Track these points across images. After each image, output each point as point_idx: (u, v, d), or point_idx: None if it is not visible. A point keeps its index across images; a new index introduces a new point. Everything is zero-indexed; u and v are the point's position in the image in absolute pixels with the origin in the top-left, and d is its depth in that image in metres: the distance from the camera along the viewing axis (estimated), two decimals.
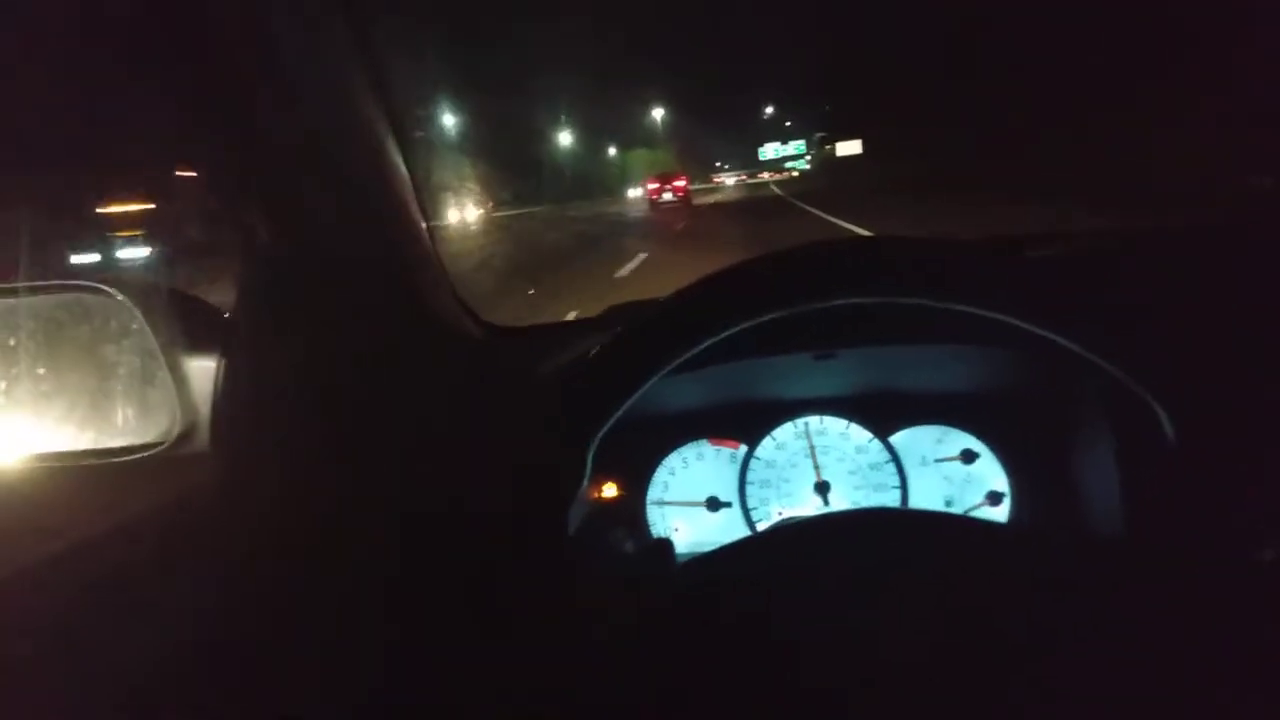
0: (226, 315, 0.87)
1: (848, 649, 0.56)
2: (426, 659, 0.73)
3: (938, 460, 1.08)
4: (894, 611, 0.57)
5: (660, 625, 0.59)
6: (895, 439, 1.09)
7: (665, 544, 0.79)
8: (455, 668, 0.69)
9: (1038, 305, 0.65)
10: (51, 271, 0.81)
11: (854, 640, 0.56)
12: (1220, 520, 0.62)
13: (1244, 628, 0.54)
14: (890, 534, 0.66)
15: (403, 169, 0.93)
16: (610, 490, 1.09)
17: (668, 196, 28.16)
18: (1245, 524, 0.59)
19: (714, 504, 1.10)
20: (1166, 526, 0.81)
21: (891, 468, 1.08)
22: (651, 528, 1.10)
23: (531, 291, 7.82)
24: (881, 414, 1.10)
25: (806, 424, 1.11)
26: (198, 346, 0.84)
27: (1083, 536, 0.95)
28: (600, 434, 0.69)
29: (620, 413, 0.70)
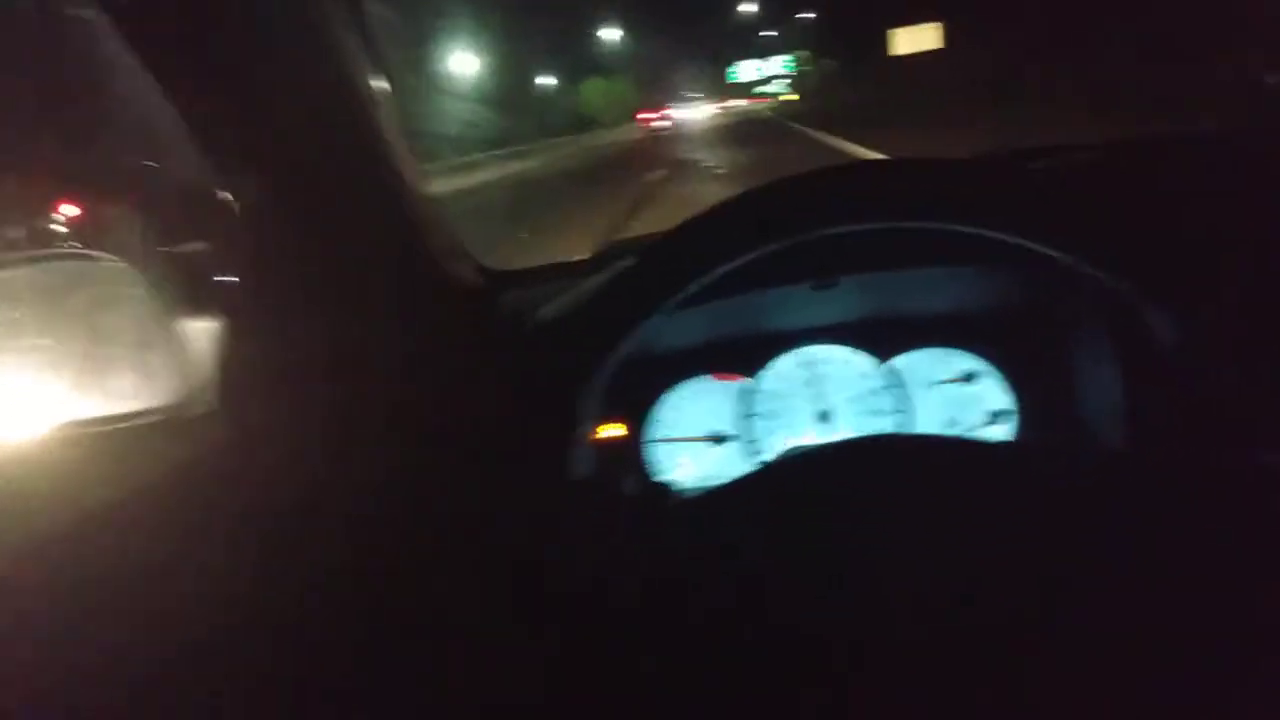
0: (226, 279, 0.87)
1: (854, 582, 0.57)
2: (433, 611, 0.75)
3: (940, 382, 1.09)
4: (899, 540, 0.58)
5: (662, 573, 0.60)
6: (896, 363, 1.10)
7: (662, 489, 0.80)
8: (461, 619, 0.70)
9: (1028, 218, 0.65)
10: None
11: (861, 572, 0.57)
12: (1220, 424, 0.62)
13: (1247, 532, 0.55)
14: (893, 461, 0.66)
15: (391, 117, 0.92)
16: (614, 430, 1.10)
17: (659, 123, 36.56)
18: (1245, 427, 0.60)
19: (718, 438, 1.11)
20: (1168, 434, 0.82)
21: (894, 392, 1.09)
22: (656, 465, 1.11)
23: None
24: (882, 339, 1.10)
25: (808, 353, 1.11)
26: (199, 308, 0.84)
27: (1087, 449, 0.96)
28: (593, 381, 0.70)
29: (614, 358, 0.70)
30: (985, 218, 0.67)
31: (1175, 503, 0.57)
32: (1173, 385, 0.70)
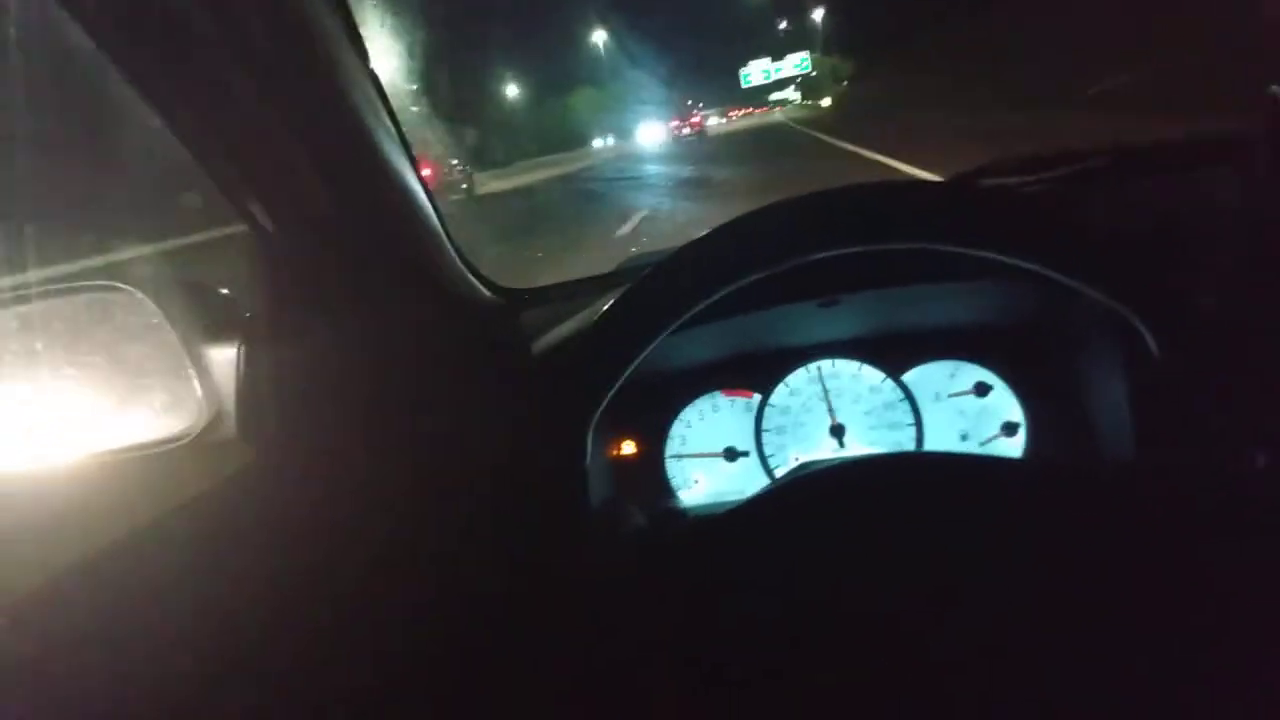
0: (242, 305, 0.89)
1: (867, 600, 0.58)
2: (455, 630, 0.76)
3: (951, 395, 1.09)
4: (911, 558, 0.58)
5: (678, 595, 0.61)
6: (908, 377, 1.10)
7: (675, 513, 0.80)
8: (483, 640, 0.71)
9: (1014, 239, 0.66)
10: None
11: (873, 590, 0.58)
12: (1213, 430, 0.63)
13: (1243, 536, 0.55)
14: (903, 479, 0.67)
15: (399, 143, 0.93)
16: (629, 447, 1.11)
17: (686, 131, 40.42)
18: (1237, 432, 0.60)
19: (731, 454, 1.12)
20: (1169, 442, 0.82)
21: (905, 406, 1.10)
22: (671, 481, 1.12)
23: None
24: (893, 353, 1.11)
25: (819, 368, 1.12)
26: (217, 336, 0.85)
27: (1097, 461, 0.96)
28: (601, 407, 0.71)
29: (619, 384, 0.71)
30: (973, 239, 0.67)
31: (1175, 512, 0.58)
32: (1165, 392, 0.70)
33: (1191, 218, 0.91)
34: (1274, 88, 0.89)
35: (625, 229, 8.60)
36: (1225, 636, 0.53)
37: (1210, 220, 0.89)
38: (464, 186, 18.86)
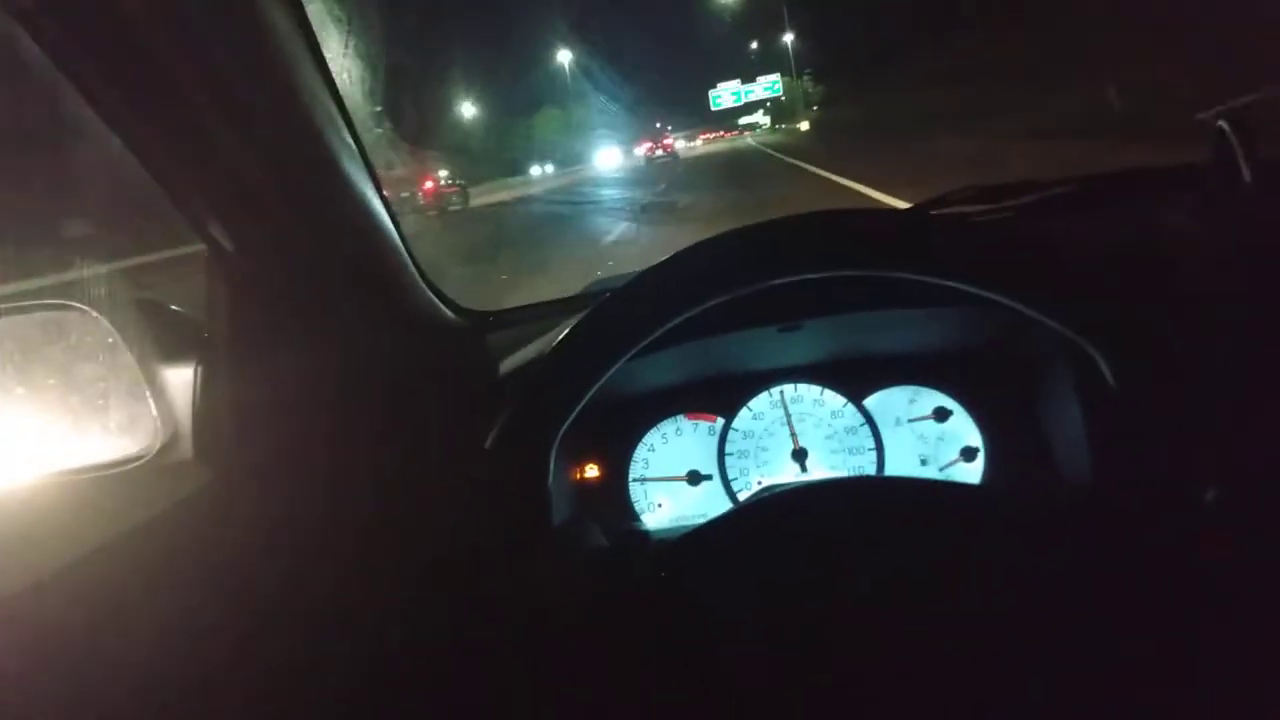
0: (199, 324, 0.88)
1: (823, 621, 0.58)
2: (415, 657, 0.75)
3: (911, 420, 1.11)
4: (870, 581, 0.59)
5: (637, 615, 0.61)
6: (869, 402, 1.11)
7: (637, 535, 0.81)
8: (443, 665, 0.71)
9: (962, 264, 0.67)
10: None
11: (833, 613, 0.58)
12: (1165, 463, 0.64)
13: (1191, 568, 0.56)
14: (863, 503, 0.68)
15: (361, 163, 0.93)
16: (593, 470, 1.11)
17: (659, 153, 40.28)
18: (1188, 465, 0.62)
19: (695, 477, 1.12)
20: (1124, 470, 0.84)
21: (866, 430, 1.11)
22: (634, 504, 1.12)
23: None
24: (854, 378, 1.12)
25: (782, 392, 1.13)
26: (174, 356, 0.85)
27: (1054, 486, 0.98)
28: (563, 427, 0.71)
29: (582, 404, 0.71)
30: (931, 267, 0.68)
31: (1125, 541, 0.59)
32: (1119, 422, 0.71)
33: (1150, 247, 0.93)
34: (1220, 121, 0.92)
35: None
36: (1173, 663, 0.54)
37: (1169, 250, 0.91)
38: (457, 200, 19.01)
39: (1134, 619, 0.56)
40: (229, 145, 0.80)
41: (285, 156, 0.84)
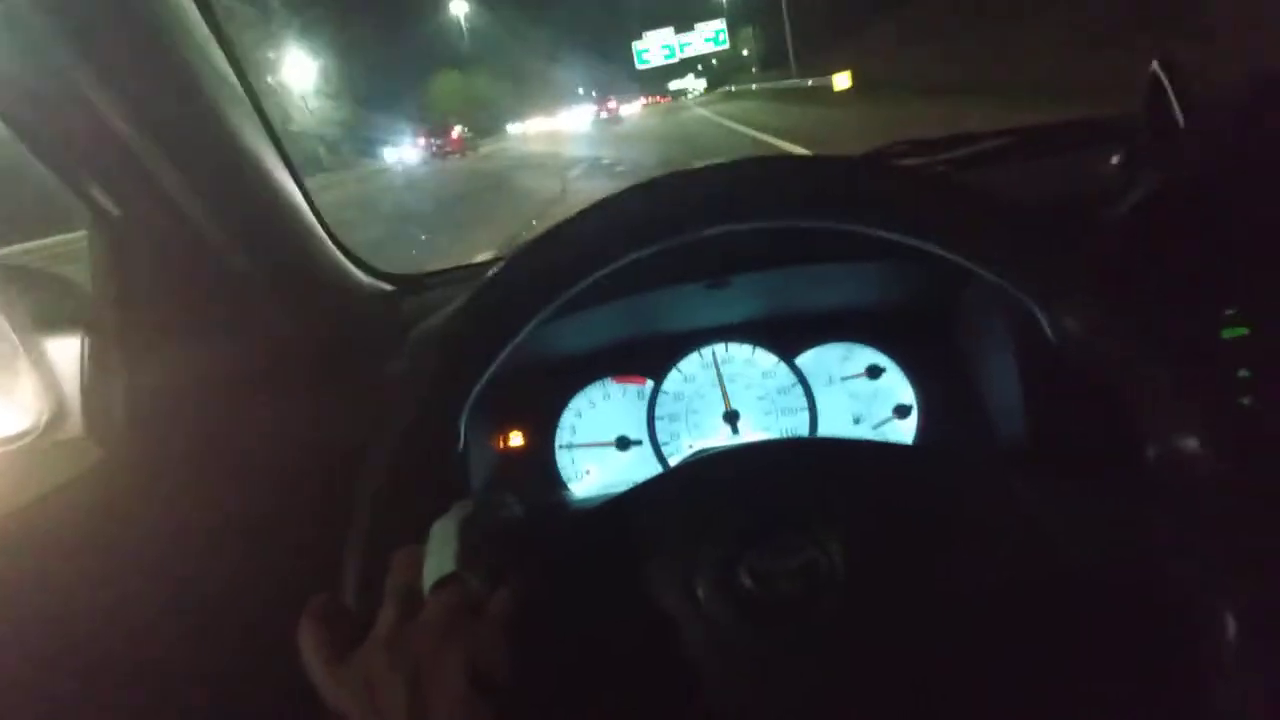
0: (84, 294, 0.83)
1: (753, 587, 0.56)
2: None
3: (844, 378, 1.09)
4: (802, 547, 0.57)
5: (555, 588, 0.59)
6: (801, 360, 1.09)
7: (555, 504, 0.77)
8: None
9: (898, 214, 0.64)
10: None
11: (767, 578, 0.56)
12: (1105, 419, 0.62)
13: (1134, 529, 0.55)
14: (794, 463, 0.66)
15: (258, 119, 0.88)
16: (517, 439, 1.08)
17: (603, 115, 40.45)
18: (1128, 421, 0.60)
19: (624, 443, 1.09)
20: (1060, 428, 0.82)
21: (799, 389, 1.08)
22: (561, 472, 1.09)
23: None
24: (786, 336, 1.09)
25: (713, 352, 1.10)
26: (57, 327, 0.80)
27: (988, 444, 0.97)
28: (475, 386, 0.67)
29: (495, 362, 0.67)
30: (857, 215, 0.65)
31: (1063, 498, 0.58)
32: (1059, 377, 0.70)
33: (1083, 198, 0.92)
34: (1155, 63, 0.90)
35: None
36: (1108, 626, 0.53)
37: (1101, 199, 0.89)
38: (469, 146, 31.41)
39: (1072, 579, 0.54)
40: (109, 103, 0.75)
41: (168, 112, 0.79)
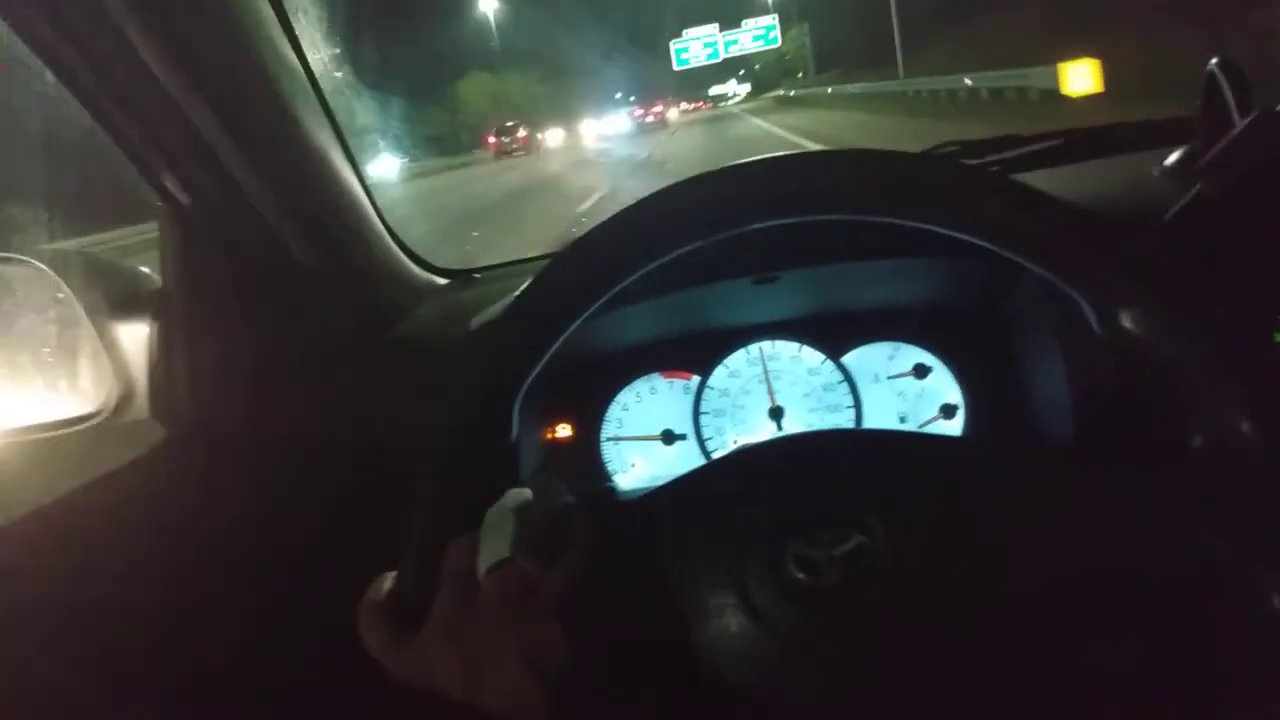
0: (155, 282, 0.86)
1: (808, 575, 0.56)
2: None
3: (890, 377, 1.08)
4: (849, 535, 0.57)
5: (606, 574, 0.60)
6: (847, 359, 1.09)
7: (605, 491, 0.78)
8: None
9: (956, 209, 0.64)
10: None
11: (814, 566, 0.57)
12: (1152, 416, 0.62)
13: (1184, 522, 0.54)
14: (842, 455, 0.66)
15: (325, 117, 0.90)
16: (564, 430, 1.09)
17: (650, 120, 38.34)
18: (1175, 415, 0.60)
19: (669, 437, 1.10)
20: (1108, 427, 0.81)
21: (845, 388, 1.08)
22: (607, 464, 1.10)
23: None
24: (832, 334, 1.09)
25: (760, 349, 1.10)
26: (128, 313, 0.83)
27: (1036, 440, 0.96)
28: (529, 376, 0.68)
29: (548, 354, 0.68)
30: (918, 210, 0.65)
31: (1116, 494, 0.57)
32: (1106, 373, 0.69)
33: (1137, 199, 0.91)
34: (1212, 64, 0.89)
35: None
36: (1156, 616, 0.52)
37: (1155, 201, 0.88)
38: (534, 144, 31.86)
39: (1121, 571, 0.54)
40: (181, 93, 0.77)
41: (242, 106, 0.82)
